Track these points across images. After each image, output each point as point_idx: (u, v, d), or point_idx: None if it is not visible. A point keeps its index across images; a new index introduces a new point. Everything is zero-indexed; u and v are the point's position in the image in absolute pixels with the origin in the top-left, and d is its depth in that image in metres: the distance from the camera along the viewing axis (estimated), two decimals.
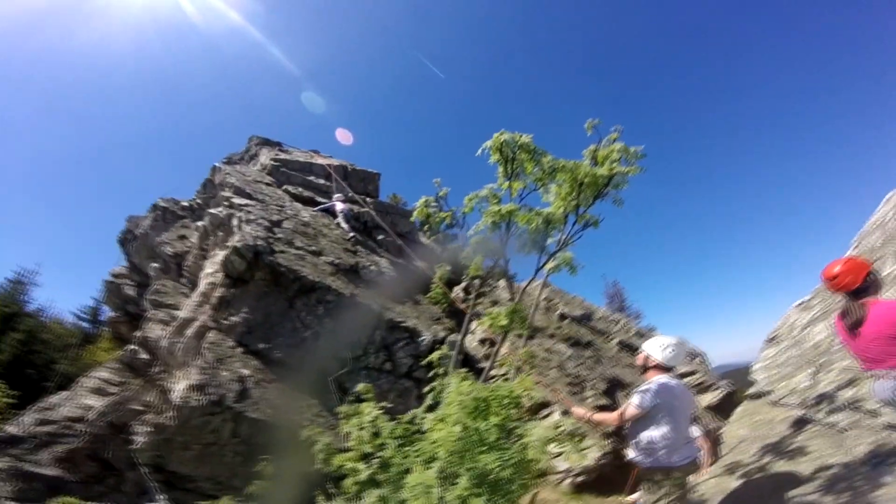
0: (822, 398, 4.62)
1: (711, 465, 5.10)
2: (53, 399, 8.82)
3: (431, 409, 3.54)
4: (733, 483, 4.33)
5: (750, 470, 4.41)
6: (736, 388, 9.40)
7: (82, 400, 8.61)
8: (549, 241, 3.86)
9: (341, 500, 3.28)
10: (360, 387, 4.38)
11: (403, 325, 7.17)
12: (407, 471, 2.94)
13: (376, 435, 3.64)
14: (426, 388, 3.99)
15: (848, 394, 4.41)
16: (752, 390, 6.32)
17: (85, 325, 21.01)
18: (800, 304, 6.59)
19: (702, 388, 8.94)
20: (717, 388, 8.89)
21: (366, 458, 3.53)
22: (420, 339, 7.17)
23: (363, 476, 3.36)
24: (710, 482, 4.68)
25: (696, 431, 5.29)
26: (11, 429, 7.15)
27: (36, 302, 19.46)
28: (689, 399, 3.31)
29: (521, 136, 3.58)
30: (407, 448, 3.29)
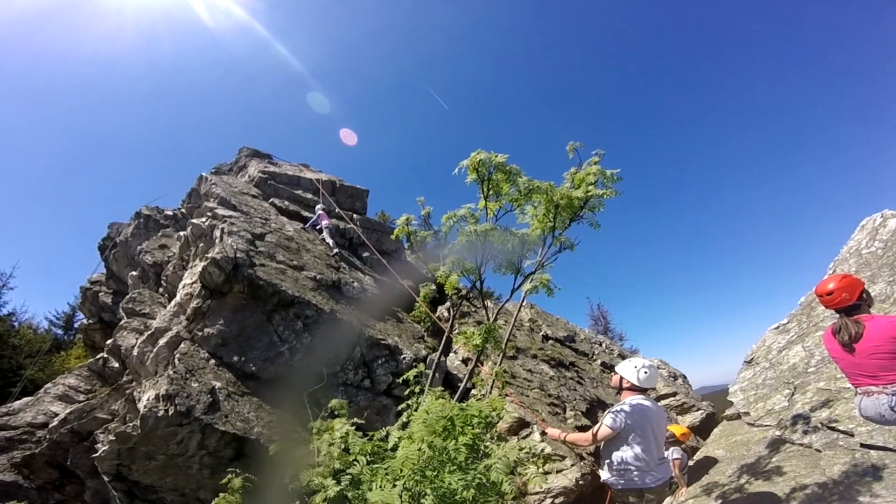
0: (798, 419, 4.66)
1: (689, 485, 5.07)
2: (16, 404, 8.54)
3: (405, 426, 3.48)
4: None
5: (727, 490, 4.40)
6: (716, 409, 9.42)
7: (47, 406, 8.35)
8: (526, 262, 3.87)
9: None
10: (334, 402, 4.29)
11: (384, 342, 7.07)
12: (378, 487, 2.85)
13: (347, 451, 3.55)
14: (401, 406, 3.93)
15: (823, 414, 4.45)
16: (729, 411, 6.34)
17: (58, 331, 20.43)
18: (776, 328, 6.68)
19: (683, 410, 8.94)
20: (698, 410, 8.89)
21: (336, 474, 3.43)
22: (401, 356, 7.07)
23: (332, 492, 3.26)
24: (689, 503, 4.65)
25: (675, 454, 5.27)
26: None
27: (8, 305, 18.93)
28: (662, 420, 3.30)
29: (496, 156, 3.60)
30: (377, 465, 3.21)
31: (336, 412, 4.23)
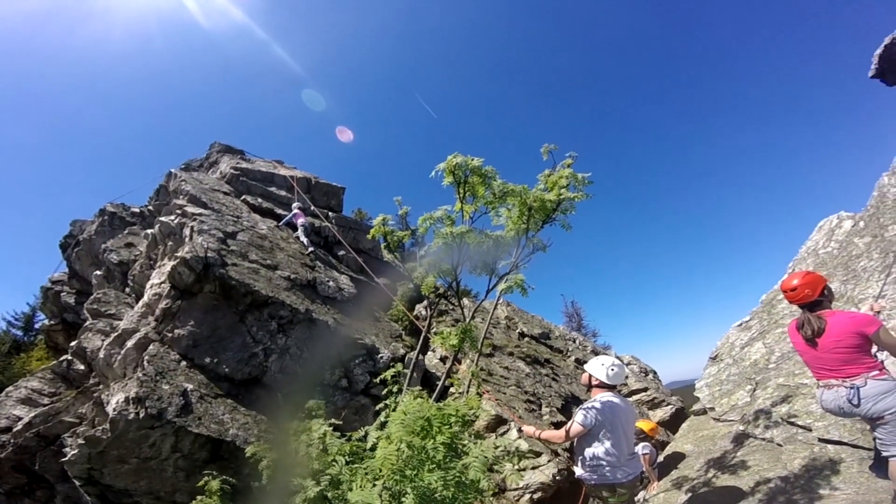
0: (760, 414, 4.86)
1: (660, 479, 5.24)
2: None
3: (384, 426, 3.47)
4: (681, 497, 4.45)
5: (696, 484, 4.56)
6: (685, 404, 9.77)
7: (9, 410, 7.97)
8: (501, 263, 3.92)
9: None
10: (311, 403, 4.25)
11: (361, 341, 7.02)
12: (358, 487, 2.84)
13: (325, 452, 3.52)
14: (379, 406, 3.92)
15: (783, 409, 4.66)
16: (696, 407, 6.58)
17: (17, 332, 19.42)
18: (739, 325, 6.97)
19: (654, 405, 9.22)
20: (667, 405, 9.19)
21: (315, 475, 3.40)
22: (378, 356, 7.04)
23: (312, 493, 3.23)
24: (659, 497, 4.80)
25: (644, 449, 5.44)
26: None
27: None
28: (632, 416, 3.41)
29: (472, 160, 3.64)
30: (356, 465, 3.20)
31: (313, 413, 4.19)
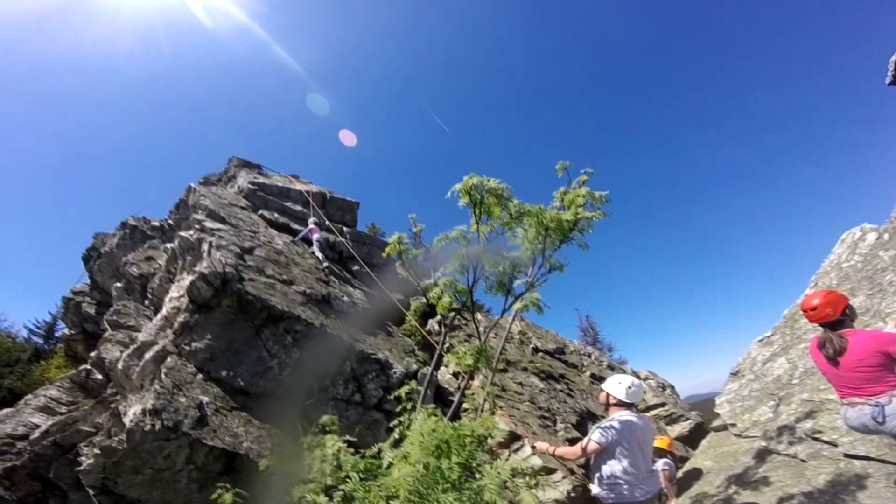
0: (783, 430, 4.75)
1: (679, 496, 5.12)
2: None
3: (397, 443, 3.47)
4: None
5: (716, 501, 4.46)
6: (704, 418, 9.51)
7: (27, 418, 8.17)
8: (517, 283, 3.92)
9: None
10: (324, 419, 4.26)
11: (374, 356, 7.04)
12: None
13: (339, 468, 3.53)
14: (392, 423, 3.92)
15: (807, 425, 4.54)
16: (716, 423, 6.42)
17: (38, 340, 19.93)
18: (761, 340, 6.82)
19: (671, 420, 9.00)
20: (686, 420, 8.96)
21: (328, 490, 3.40)
22: (391, 371, 7.04)
23: None
24: None
25: (663, 465, 5.32)
26: None
27: None
28: (650, 434, 3.37)
29: (489, 181, 3.66)
30: (370, 483, 3.20)
31: (327, 428, 4.20)
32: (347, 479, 3.29)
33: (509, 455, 6.32)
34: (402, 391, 3.84)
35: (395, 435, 3.68)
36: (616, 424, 3.19)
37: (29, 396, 8.98)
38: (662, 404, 9.19)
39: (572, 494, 5.67)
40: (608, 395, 3.42)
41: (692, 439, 8.44)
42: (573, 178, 4.04)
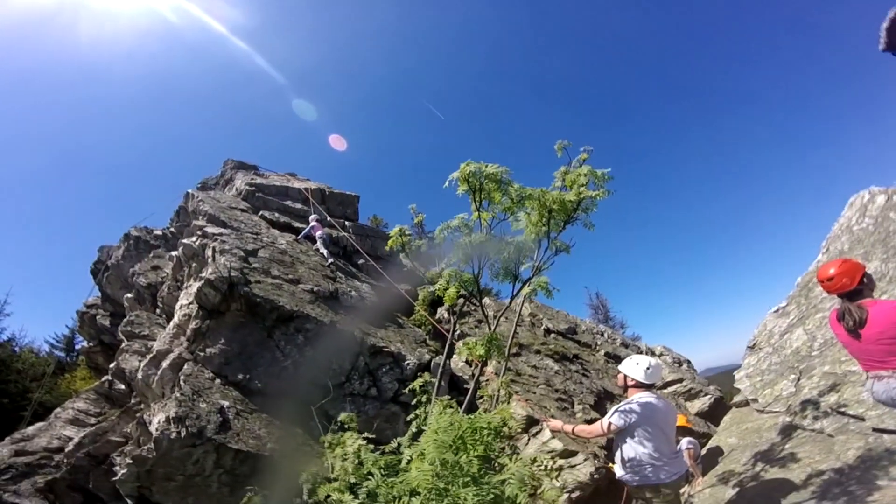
0: (807, 404, 4.65)
1: (704, 475, 5.07)
2: (29, 430, 8.57)
3: (416, 437, 3.45)
4: (728, 492, 4.29)
5: (743, 479, 4.39)
6: (724, 393, 9.46)
7: (59, 430, 8.32)
8: (523, 267, 3.85)
9: None
10: (343, 416, 4.26)
11: (387, 349, 7.03)
12: (395, 500, 2.84)
13: (360, 465, 3.52)
14: (409, 417, 3.91)
15: (831, 399, 4.45)
16: (737, 399, 6.35)
17: (60, 353, 20.30)
18: (776, 311, 6.70)
19: (690, 396, 8.96)
20: (705, 395, 8.91)
21: (352, 488, 3.40)
22: (405, 363, 7.03)
23: None
24: (705, 493, 4.64)
25: (688, 444, 5.26)
26: None
27: (6, 332, 18.81)
28: (672, 415, 3.31)
29: (487, 167, 3.58)
30: (392, 479, 3.19)
31: (346, 425, 4.20)
32: (370, 477, 3.29)
33: (528, 440, 6.31)
34: (417, 384, 3.81)
35: (413, 428, 3.67)
36: (636, 407, 3.12)
37: (58, 410, 9.16)
38: (680, 380, 9.15)
39: (595, 476, 5.65)
40: (626, 377, 3.35)
41: (712, 415, 8.39)
42: (573, 157, 3.93)
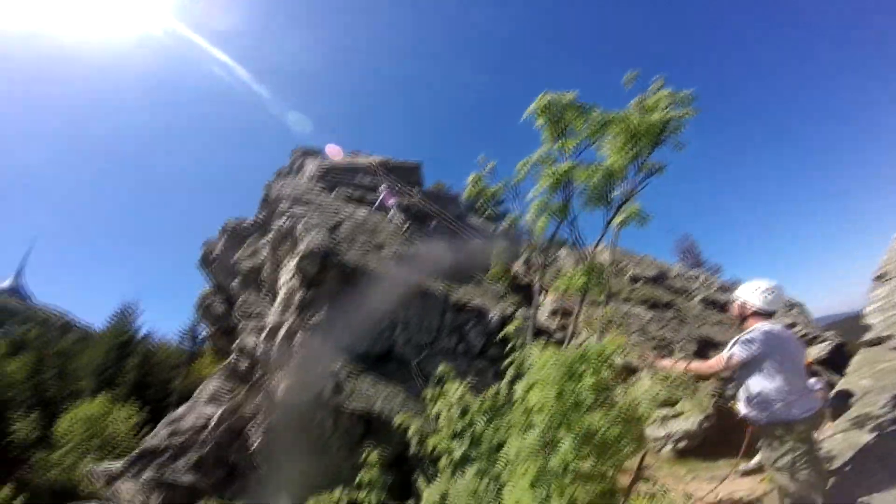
0: None
1: (833, 419, 4.59)
2: (179, 410, 9.81)
3: (514, 381, 3.46)
4: (865, 437, 3.83)
5: (883, 422, 3.88)
6: (845, 339, 8.42)
7: (201, 409, 9.48)
8: (614, 193, 3.62)
9: (441, 479, 3.30)
10: (441, 368, 4.41)
11: (470, 305, 7.15)
12: (500, 444, 2.87)
13: (464, 413, 3.62)
14: (505, 362, 3.93)
15: None
16: (868, 336, 5.58)
17: (187, 344, 23.35)
18: None
19: (806, 341, 8.11)
20: (823, 341, 8.01)
21: (456, 436, 3.52)
22: (489, 317, 7.12)
23: (457, 454, 3.35)
24: (838, 437, 4.19)
25: (817, 383, 4.77)
26: (151, 442, 7.98)
27: (143, 328, 22.06)
28: (798, 346, 2.96)
29: (564, 95, 3.37)
30: (496, 422, 3.24)
31: (445, 377, 4.35)
32: (474, 423, 3.36)
33: (625, 392, 6.14)
34: (510, 328, 3.79)
35: (511, 373, 3.68)
36: (760, 335, 2.82)
37: (198, 390, 10.27)
38: (793, 324, 8.29)
39: (704, 425, 5.36)
40: (743, 304, 3.04)
41: (833, 362, 7.53)
42: (644, 88, 3.59)
